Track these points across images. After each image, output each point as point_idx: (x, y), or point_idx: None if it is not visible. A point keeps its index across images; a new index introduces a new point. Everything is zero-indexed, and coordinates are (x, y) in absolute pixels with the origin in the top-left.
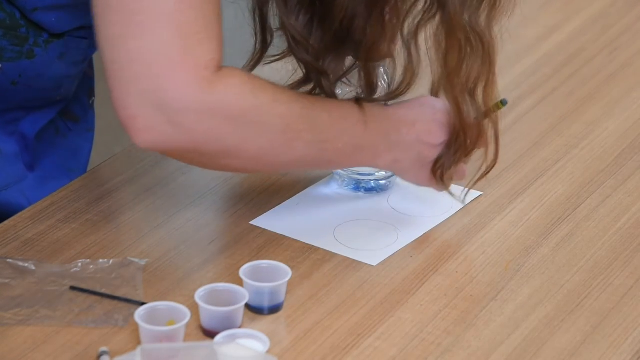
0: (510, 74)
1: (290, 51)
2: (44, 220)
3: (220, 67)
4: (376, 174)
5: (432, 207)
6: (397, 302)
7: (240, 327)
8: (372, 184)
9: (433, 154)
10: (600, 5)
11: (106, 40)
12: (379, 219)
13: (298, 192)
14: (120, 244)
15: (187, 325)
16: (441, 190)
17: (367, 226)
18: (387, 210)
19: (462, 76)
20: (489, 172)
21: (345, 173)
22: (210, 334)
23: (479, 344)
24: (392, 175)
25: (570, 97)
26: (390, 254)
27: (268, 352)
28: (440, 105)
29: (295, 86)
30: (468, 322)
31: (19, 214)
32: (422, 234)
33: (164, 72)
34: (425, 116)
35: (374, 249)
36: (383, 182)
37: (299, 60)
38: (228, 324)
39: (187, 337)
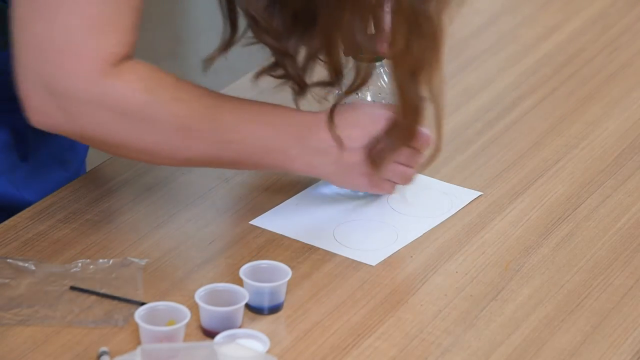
0: (510, 74)
1: (253, 34)
2: (44, 220)
3: (122, 61)
4: None
5: (432, 208)
6: (397, 302)
7: (240, 327)
8: None
9: (355, 158)
10: (600, 5)
11: (15, 20)
12: (378, 219)
13: (298, 192)
14: (120, 244)
15: (187, 325)
16: (390, 193)
17: (366, 226)
18: (387, 210)
19: (408, 59)
20: (434, 158)
21: None
22: (210, 334)
23: (479, 344)
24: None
25: (570, 97)
26: (390, 254)
27: (268, 352)
28: (374, 110)
29: (266, 70)
30: (468, 322)
31: (19, 214)
32: (421, 234)
33: (59, 59)
34: (349, 120)
35: (373, 249)
36: None
37: (263, 43)
38: (228, 324)
39: (187, 337)
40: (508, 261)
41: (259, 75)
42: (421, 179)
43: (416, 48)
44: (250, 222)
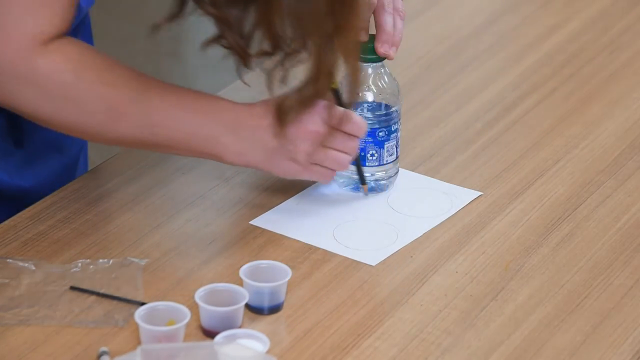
0: (510, 74)
1: (195, 2)
2: (44, 220)
3: (52, 40)
4: (376, 174)
5: (431, 207)
6: (397, 302)
7: (240, 327)
8: (372, 184)
9: (267, 134)
10: (600, 5)
11: None
12: (378, 219)
13: (298, 192)
14: (120, 244)
15: (187, 325)
16: (326, 180)
17: (366, 226)
18: (386, 210)
19: (328, 21)
20: (351, 102)
21: (345, 173)
22: (210, 334)
23: (479, 344)
24: (392, 176)
25: (570, 97)
26: (390, 254)
27: (268, 352)
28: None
29: (213, 40)
30: (468, 322)
31: (19, 214)
32: (421, 234)
33: None
34: (261, 104)
35: (373, 249)
36: (383, 182)
37: (205, 12)
38: (228, 324)
39: (187, 337)
40: (508, 261)
41: (206, 44)
42: (421, 179)
43: (337, 11)
44: (250, 222)
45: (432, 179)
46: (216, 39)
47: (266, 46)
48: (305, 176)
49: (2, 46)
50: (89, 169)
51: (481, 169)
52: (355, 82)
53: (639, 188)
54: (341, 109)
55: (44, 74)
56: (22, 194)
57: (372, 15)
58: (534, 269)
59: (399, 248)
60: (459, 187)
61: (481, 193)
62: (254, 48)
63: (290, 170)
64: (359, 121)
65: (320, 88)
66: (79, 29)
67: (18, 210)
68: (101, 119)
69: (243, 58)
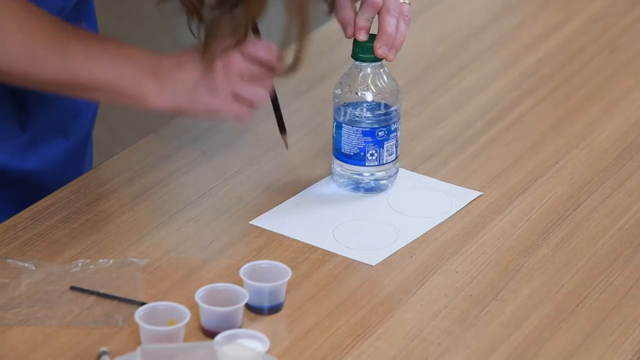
0: (510, 74)
1: None
2: (44, 220)
3: None
4: (376, 173)
5: (432, 207)
6: (397, 302)
7: (240, 327)
8: (372, 183)
9: (187, 73)
10: (600, 5)
11: None
12: (378, 219)
13: (297, 192)
14: (120, 244)
15: (187, 325)
16: (244, 117)
17: (366, 226)
18: (386, 210)
19: None
20: (294, 68)
21: (345, 173)
22: (210, 334)
23: (479, 344)
24: (391, 175)
25: (570, 97)
26: (390, 253)
27: (268, 352)
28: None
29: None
30: (468, 322)
31: (19, 214)
32: (421, 234)
33: None
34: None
35: (373, 248)
36: (383, 182)
37: None
38: (228, 324)
39: (187, 337)
40: (508, 261)
41: (160, 1)
42: (421, 179)
43: None
44: (250, 222)
45: (432, 178)
46: None
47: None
48: (225, 111)
49: None
50: (94, 163)
51: (481, 169)
52: (302, 40)
53: (639, 188)
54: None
55: None
56: (24, 176)
57: (377, 15)
58: (534, 269)
59: (399, 248)
60: (459, 187)
61: (481, 193)
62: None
63: (211, 105)
64: (267, 45)
65: (245, 20)
66: (81, 12)
67: (21, 194)
68: (23, 64)
69: (192, 13)
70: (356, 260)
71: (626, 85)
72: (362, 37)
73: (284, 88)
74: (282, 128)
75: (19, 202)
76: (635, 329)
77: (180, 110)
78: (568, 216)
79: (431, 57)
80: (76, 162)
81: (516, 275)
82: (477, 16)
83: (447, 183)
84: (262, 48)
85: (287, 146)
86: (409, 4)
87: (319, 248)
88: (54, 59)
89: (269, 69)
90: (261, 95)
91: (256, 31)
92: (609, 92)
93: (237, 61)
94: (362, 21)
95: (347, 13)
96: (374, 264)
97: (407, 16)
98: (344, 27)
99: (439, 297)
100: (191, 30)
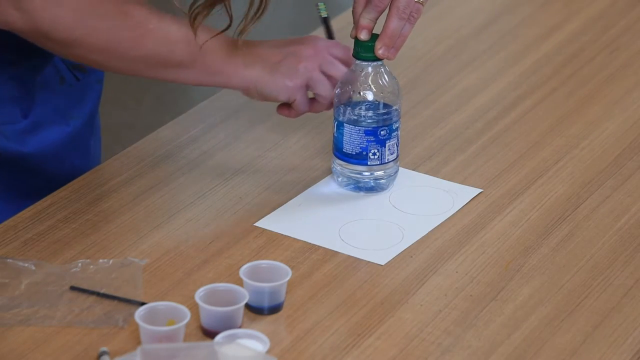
0: (510, 74)
1: None
2: (44, 220)
3: None
4: (376, 172)
5: (434, 206)
6: (397, 302)
7: (240, 327)
8: (372, 183)
9: (271, 52)
10: (600, 5)
11: None
12: (382, 218)
13: (298, 192)
14: (120, 244)
15: (187, 325)
16: (300, 109)
17: (371, 225)
18: (389, 208)
19: None
20: (256, 17)
21: (345, 172)
22: (210, 334)
23: (479, 344)
24: (392, 175)
25: (570, 97)
26: (398, 252)
27: (268, 352)
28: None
29: None
30: (468, 322)
31: (19, 214)
32: (427, 231)
33: None
34: (271, 42)
35: (380, 248)
36: (383, 181)
37: None
38: (228, 324)
39: (187, 337)
40: (508, 261)
41: None
42: (421, 177)
43: None
44: (255, 224)
45: (431, 177)
46: None
47: None
48: (294, 96)
49: None
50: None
51: (481, 168)
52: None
53: (639, 188)
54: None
55: None
56: (23, 159)
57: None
58: (534, 269)
59: (407, 246)
60: (459, 184)
61: (482, 190)
62: None
63: (289, 86)
64: (347, 47)
65: None
66: None
67: (20, 178)
68: (129, 36)
69: None
70: (356, 261)
71: (626, 85)
72: (363, 36)
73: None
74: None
75: (19, 187)
76: (635, 329)
77: (257, 86)
78: (568, 216)
79: (431, 57)
80: (79, 148)
81: (516, 275)
82: (477, 16)
83: (446, 181)
84: (341, 48)
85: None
86: (422, 3)
87: (319, 248)
88: (156, 29)
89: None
90: (329, 90)
91: (330, 35)
92: (609, 92)
93: (323, 49)
94: (364, 21)
95: (360, 10)
96: (382, 263)
97: (414, 17)
98: (354, 24)
99: (439, 297)
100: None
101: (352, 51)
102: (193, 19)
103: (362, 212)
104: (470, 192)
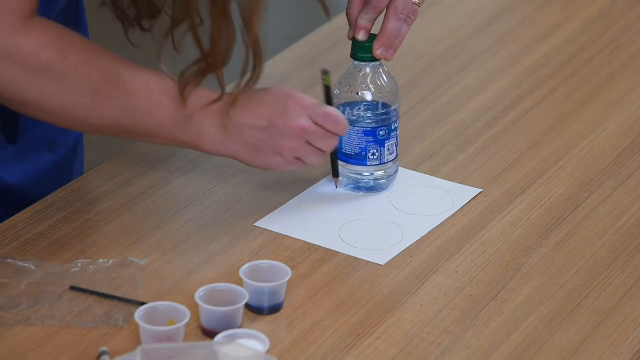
0: (510, 74)
1: None
2: (44, 220)
3: (31, 18)
4: (376, 173)
5: (434, 205)
6: (397, 302)
7: (240, 327)
8: (372, 183)
9: (263, 135)
10: (600, 5)
11: None
12: (382, 218)
13: (298, 192)
14: (120, 244)
15: (187, 325)
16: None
17: (371, 225)
18: (389, 208)
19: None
20: (251, 82)
21: (345, 173)
22: (210, 334)
23: (479, 344)
24: (391, 175)
25: (570, 97)
26: (398, 252)
27: (268, 352)
28: (277, 90)
29: (102, 4)
30: (468, 322)
31: (19, 214)
32: (427, 231)
33: None
34: (254, 100)
35: (380, 248)
36: (382, 181)
37: None
38: (228, 324)
39: (187, 337)
40: (508, 261)
41: (100, 6)
42: (421, 177)
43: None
44: (255, 224)
45: (431, 177)
46: (103, 3)
47: (145, 11)
48: (285, 169)
49: None
50: (85, 171)
51: (481, 168)
52: (257, 59)
53: (639, 188)
54: (326, 107)
55: (29, 52)
56: (7, 189)
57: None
58: (534, 269)
59: (407, 246)
60: (459, 184)
61: (481, 190)
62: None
63: (274, 164)
64: (341, 120)
65: (214, 57)
66: (70, 18)
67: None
68: (87, 102)
69: (123, 22)
70: (356, 261)
71: (626, 85)
72: (362, 37)
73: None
74: (336, 172)
75: None
76: (635, 329)
77: (236, 159)
78: (568, 216)
79: (431, 57)
80: (63, 176)
81: (516, 275)
82: (477, 16)
83: (446, 181)
84: (332, 121)
85: (336, 186)
86: (419, 4)
87: (318, 248)
88: (118, 97)
89: (333, 136)
90: (322, 158)
91: (329, 101)
92: (609, 92)
93: (307, 127)
94: (362, 21)
95: (355, 11)
96: (383, 263)
97: (411, 18)
98: (350, 26)
99: (439, 297)
100: (129, 40)
101: (341, 116)
102: (183, 88)
103: (362, 212)
104: (470, 192)
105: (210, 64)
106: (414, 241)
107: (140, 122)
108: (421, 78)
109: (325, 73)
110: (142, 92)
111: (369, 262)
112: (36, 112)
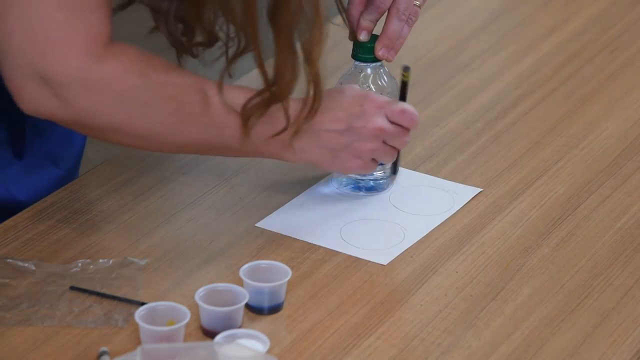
0: (510, 74)
1: None
2: (44, 220)
3: (110, 42)
4: (375, 173)
5: (434, 205)
6: (397, 302)
7: (240, 327)
8: (372, 183)
9: (343, 140)
10: (600, 5)
11: None
12: (383, 218)
13: (299, 193)
14: (120, 244)
15: (187, 325)
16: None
17: (372, 225)
18: (390, 208)
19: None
20: (310, 114)
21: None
22: (210, 334)
23: (479, 344)
24: (390, 175)
25: (570, 97)
26: (400, 252)
27: (268, 352)
28: (353, 91)
29: (152, 31)
30: (468, 322)
31: (19, 214)
32: (428, 231)
33: (45, 46)
34: (329, 104)
35: (382, 247)
36: (382, 181)
37: (140, 1)
38: (228, 324)
39: (187, 337)
40: (508, 261)
41: (149, 33)
42: (421, 177)
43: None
44: (256, 225)
45: (431, 176)
46: (155, 29)
47: (201, 37)
48: (363, 172)
49: (63, 55)
50: (85, 171)
51: (481, 168)
52: (317, 91)
53: (639, 188)
54: (400, 103)
55: (114, 78)
56: (16, 206)
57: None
58: (534, 269)
59: (409, 246)
60: (459, 184)
61: (481, 189)
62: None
63: (353, 167)
64: (416, 114)
65: (279, 88)
66: None
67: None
68: (173, 122)
69: (178, 48)
70: (356, 261)
71: (626, 85)
72: (363, 37)
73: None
74: (395, 169)
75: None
76: (635, 329)
77: (318, 165)
78: (568, 216)
79: (431, 57)
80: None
81: (516, 275)
82: (477, 16)
83: (446, 180)
84: (408, 117)
85: (392, 183)
86: (420, 6)
87: (318, 248)
88: (203, 114)
89: (407, 132)
90: (393, 158)
91: (403, 97)
92: (609, 92)
93: (385, 127)
94: (365, 22)
95: (356, 12)
96: (384, 263)
97: (412, 19)
98: (350, 27)
99: (439, 297)
100: (181, 65)
101: (415, 111)
102: (247, 119)
103: (363, 212)
104: (470, 191)
105: (274, 94)
106: (415, 241)
107: (223, 137)
108: (421, 78)
109: (406, 69)
110: (224, 107)
111: (368, 262)
112: (123, 137)
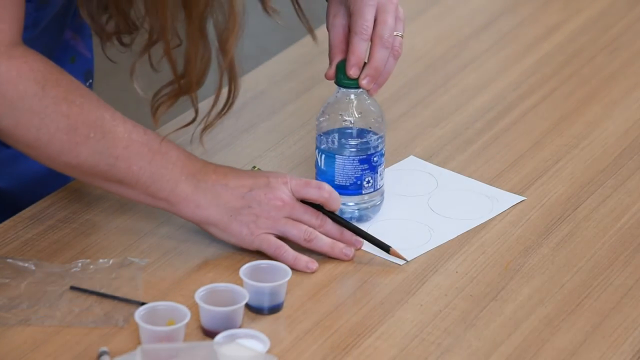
0: (510, 74)
1: None
2: (44, 220)
3: (15, 44)
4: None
5: (471, 210)
6: (397, 302)
7: (240, 327)
8: (357, 213)
9: (231, 193)
10: (600, 5)
11: None
12: (414, 219)
13: None
14: (120, 244)
15: (187, 325)
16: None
17: (400, 225)
18: (424, 210)
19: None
20: (224, 112)
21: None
22: (210, 334)
23: (479, 344)
24: (377, 204)
25: (570, 97)
26: (421, 253)
27: (268, 352)
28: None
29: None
30: (468, 322)
31: (19, 214)
32: (455, 235)
33: None
34: (240, 171)
35: (405, 247)
36: (368, 210)
37: None
38: (228, 324)
39: (187, 337)
40: (508, 261)
41: (78, 17)
42: (464, 181)
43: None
44: None
45: (476, 181)
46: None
47: (122, 26)
48: (255, 246)
49: None
50: None
51: (481, 169)
52: (232, 85)
53: (639, 188)
54: (307, 179)
55: (8, 81)
56: None
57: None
58: (534, 269)
59: (431, 248)
60: (502, 190)
61: (524, 198)
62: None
63: (247, 236)
64: (324, 185)
65: (188, 78)
66: (65, 24)
67: None
68: (62, 139)
69: (100, 35)
70: (357, 260)
71: (626, 85)
72: (353, 72)
73: (285, 88)
74: (385, 247)
75: None
76: (635, 329)
77: (210, 225)
78: (568, 216)
79: (431, 57)
80: (55, 181)
81: (516, 275)
82: (477, 16)
83: (490, 186)
84: (313, 190)
85: (404, 259)
86: (402, 36)
87: None
88: (96, 139)
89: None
90: (319, 241)
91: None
92: (609, 92)
93: (286, 199)
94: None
95: (337, 35)
96: (401, 263)
97: (397, 51)
98: (331, 53)
99: (439, 297)
100: (105, 54)
101: (326, 188)
102: (155, 109)
103: (394, 212)
104: (512, 198)
105: (184, 86)
106: (440, 243)
107: (116, 169)
108: (421, 78)
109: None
110: (122, 140)
111: (368, 261)
112: (13, 143)
